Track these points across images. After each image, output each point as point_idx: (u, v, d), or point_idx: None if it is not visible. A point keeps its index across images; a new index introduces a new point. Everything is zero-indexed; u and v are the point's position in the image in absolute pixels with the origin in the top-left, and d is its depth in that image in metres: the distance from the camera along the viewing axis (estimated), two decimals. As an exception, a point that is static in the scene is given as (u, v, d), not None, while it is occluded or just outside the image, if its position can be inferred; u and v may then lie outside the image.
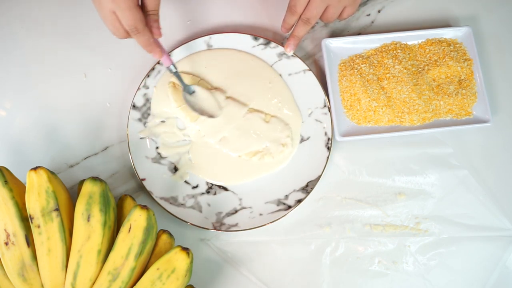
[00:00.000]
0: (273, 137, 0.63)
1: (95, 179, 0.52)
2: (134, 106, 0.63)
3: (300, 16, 0.60)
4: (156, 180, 0.61)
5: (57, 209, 0.50)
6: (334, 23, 0.70)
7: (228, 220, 0.61)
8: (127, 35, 0.53)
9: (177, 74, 0.61)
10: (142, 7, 0.52)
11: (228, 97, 0.64)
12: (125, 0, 0.49)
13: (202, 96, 0.63)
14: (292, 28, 0.62)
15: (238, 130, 0.63)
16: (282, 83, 0.66)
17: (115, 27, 0.52)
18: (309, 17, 0.59)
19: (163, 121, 0.63)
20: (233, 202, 0.62)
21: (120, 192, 0.63)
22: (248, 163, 0.63)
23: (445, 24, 0.71)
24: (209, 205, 0.62)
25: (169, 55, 0.62)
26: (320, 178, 0.61)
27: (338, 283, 0.61)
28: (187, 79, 0.64)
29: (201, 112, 0.62)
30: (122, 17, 0.50)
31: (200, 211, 0.61)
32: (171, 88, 0.64)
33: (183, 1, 0.70)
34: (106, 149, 0.64)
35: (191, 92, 0.63)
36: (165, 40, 0.67)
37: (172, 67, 0.60)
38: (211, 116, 0.63)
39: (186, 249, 0.50)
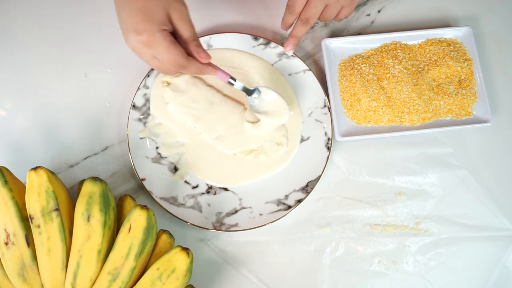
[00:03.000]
0: (268, 136, 0.63)
1: (95, 179, 0.52)
2: (134, 106, 0.63)
3: (299, 15, 0.60)
4: (156, 180, 0.61)
5: (57, 209, 0.50)
6: (334, 23, 0.70)
7: (228, 220, 0.61)
8: (177, 70, 0.51)
9: (240, 86, 0.59)
10: (181, 38, 0.50)
11: (224, 95, 0.64)
12: (160, 43, 0.47)
13: (269, 98, 0.61)
14: (292, 27, 0.62)
15: (234, 127, 0.63)
16: (284, 82, 0.66)
17: (162, 69, 0.50)
18: (308, 17, 0.59)
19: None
20: (233, 202, 0.62)
21: (120, 192, 0.62)
22: (248, 164, 0.63)
23: (445, 24, 0.71)
24: (209, 205, 0.62)
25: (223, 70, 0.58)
26: (320, 178, 0.61)
27: (338, 283, 0.61)
28: (184, 79, 0.64)
29: (266, 114, 0.61)
30: (163, 60, 0.49)
31: (200, 211, 0.61)
32: (164, 88, 0.64)
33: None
34: (106, 149, 0.64)
35: (256, 95, 0.61)
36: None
37: (231, 80, 0.57)
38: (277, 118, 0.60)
39: (186, 249, 0.50)
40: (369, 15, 0.71)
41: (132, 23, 0.46)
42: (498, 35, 0.71)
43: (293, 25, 0.62)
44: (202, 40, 0.65)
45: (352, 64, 0.66)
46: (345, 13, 0.60)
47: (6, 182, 0.50)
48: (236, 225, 0.60)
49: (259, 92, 0.61)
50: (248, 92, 0.60)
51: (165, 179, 0.62)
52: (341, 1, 0.58)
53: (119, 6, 0.48)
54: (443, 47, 0.67)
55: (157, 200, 0.60)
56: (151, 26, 0.46)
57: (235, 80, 0.58)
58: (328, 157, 0.62)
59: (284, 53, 0.66)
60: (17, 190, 0.51)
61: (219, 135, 0.63)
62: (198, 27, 0.68)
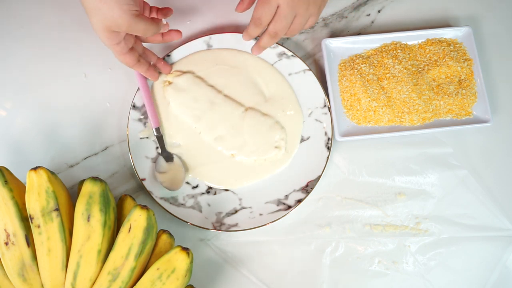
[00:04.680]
0: (267, 139, 0.63)
1: (95, 179, 0.52)
2: (134, 106, 0.63)
3: (267, 27, 0.55)
4: (156, 180, 0.61)
5: (57, 209, 0.50)
6: (335, 23, 0.70)
7: (228, 220, 0.61)
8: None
9: (160, 139, 0.62)
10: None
11: (225, 96, 0.64)
12: (118, 54, 0.54)
13: (177, 167, 0.62)
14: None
15: (233, 128, 0.63)
16: (284, 82, 0.66)
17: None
18: (277, 31, 0.55)
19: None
20: (233, 202, 0.62)
21: (120, 192, 0.63)
22: (248, 165, 0.63)
23: (445, 24, 0.71)
24: (209, 205, 0.62)
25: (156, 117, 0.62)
26: (320, 178, 0.61)
27: (338, 283, 0.61)
28: (186, 78, 0.64)
29: (165, 182, 0.61)
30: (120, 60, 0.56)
31: (200, 211, 0.61)
32: (166, 87, 0.64)
33: (183, 1, 0.70)
34: (106, 149, 0.64)
35: (169, 160, 0.62)
36: (165, 40, 0.67)
37: (155, 131, 0.61)
38: (170, 189, 0.61)
39: (186, 249, 0.50)
40: (369, 15, 0.71)
41: (98, 34, 0.50)
42: (498, 35, 0.71)
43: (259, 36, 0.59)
44: (202, 40, 0.65)
45: (352, 64, 0.66)
46: (311, 23, 0.57)
47: (6, 182, 0.50)
48: (236, 225, 0.60)
49: (172, 162, 0.62)
50: (167, 157, 0.62)
51: (165, 179, 0.62)
52: (309, 9, 0.54)
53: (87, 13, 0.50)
54: (443, 47, 0.67)
55: (157, 200, 0.60)
56: (110, 42, 0.51)
57: (159, 132, 0.62)
58: (328, 157, 0.62)
59: (284, 53, 0.66)
60: (17, 190, 0.51)
61: (218, 136, 0.63)
62: (198, 27, 0.69)
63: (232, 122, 0.63)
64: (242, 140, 0.63)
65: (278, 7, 0.53)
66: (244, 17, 0.69)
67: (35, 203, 0.50)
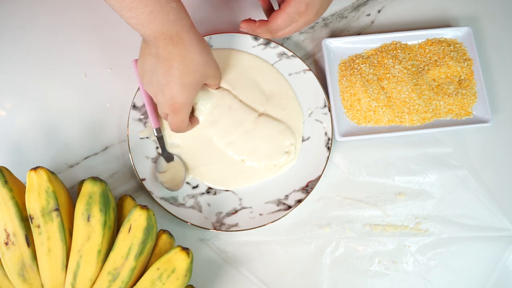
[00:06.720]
0: (278, 144, 0.63)
1: (95, 179, 0.52)
2: (134, 106, 0.63)
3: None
4: (157, 181, 0.61)
5: (57, 209, 0.50)
6: (335, 23, 0.70)
7: (228, 220, 0.61)
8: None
9: (161, 139, 0.62)
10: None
11: (241, 101, 0.64)
12: (180, 116, 0.55)
13: (178, 168, 0.62)
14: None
15: (246, 134, 0.63)
16: (284, 82, 0.66)
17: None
18: (281, 36, 0.60)
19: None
20: (233, 202, 0.62)
21: (120, 192, 0.63)
22: (248, 167, 0.63)
23: (445, 24, 0.71)
24: (209, 205, 0.62)
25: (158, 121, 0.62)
26: (320, 178, 0.61)
27: (338, 283, 0.61)
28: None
29: (166, 183, 0.61)
30: (171, 122, 0.57)
31: (200, 211, 0.61)
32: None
33: (183, 1, 0.69)
34: (106, 149, 0.64)
35: (169, 160, 0.62)
36: (165, 40, 0.67)
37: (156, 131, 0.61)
38: (171, 190, 0.60)
39: (186, 249, 0.50)
40: (369, 15, 0.71)
41: (172, 92, 0.52)
42: (498, 35, 0.71)
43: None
44: (202, 40, 0.65)
45: (352, 64, 0.66)
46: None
47: (6, 182, 0.50)
48: (236, 225, 0.60)
49: (173, 162, 0.62)
50: (168, 157, 0.62)
51: (165, 179, 0.62)
52: (316, 18, 0.58)
53: (166, 77, 0.51)
54: (443, 47, 0.67)
55: (157, 200, 0.60)
56: (185, 101, 0.54)
57: (159, 133, 0.61)
58: (328, 157, 0.62)
59: (284, 53, 0.65)
60: (17, 190, 0.51)
61: (231, 141, 0.63)
62: (199, 27, 0.68)
63: (245, 127, 0.63)
64: (253, 145, 0.63)
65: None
66: (243, 18, 0.69)
67: (35, 203, 0.50)
